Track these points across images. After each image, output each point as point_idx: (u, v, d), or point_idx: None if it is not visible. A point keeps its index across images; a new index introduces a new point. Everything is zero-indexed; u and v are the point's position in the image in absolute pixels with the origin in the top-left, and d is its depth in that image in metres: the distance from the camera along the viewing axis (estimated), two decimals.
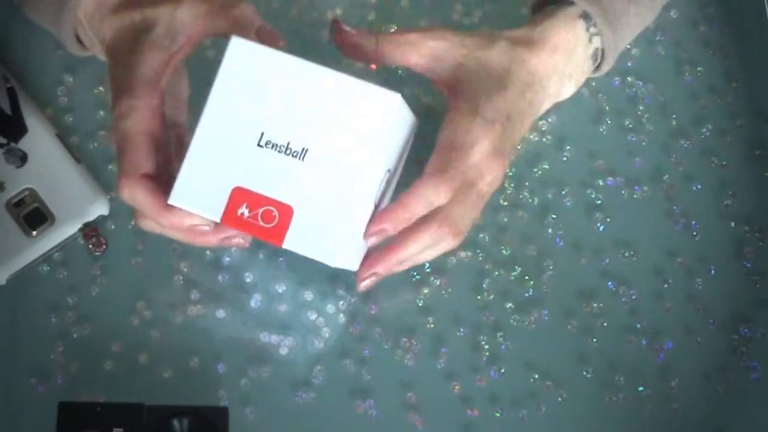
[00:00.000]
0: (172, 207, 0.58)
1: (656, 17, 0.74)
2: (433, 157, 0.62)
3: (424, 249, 0.63)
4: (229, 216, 0.57)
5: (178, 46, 0.62)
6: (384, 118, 0.57)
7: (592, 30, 0.67)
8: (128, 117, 0.59)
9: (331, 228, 0.57)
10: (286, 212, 0.57)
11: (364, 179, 0.58)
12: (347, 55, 0.66)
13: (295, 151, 0.57)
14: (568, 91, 0.69)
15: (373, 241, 0.61)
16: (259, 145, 0.57)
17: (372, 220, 0.61)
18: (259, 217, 0.57)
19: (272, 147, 0.57)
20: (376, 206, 0.62)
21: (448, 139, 0.62)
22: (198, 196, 0.58)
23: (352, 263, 0.62)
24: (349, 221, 0.58)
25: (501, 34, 0.66)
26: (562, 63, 0.67)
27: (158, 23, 0.61)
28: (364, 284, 0.64)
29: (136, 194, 0.59)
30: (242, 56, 0.57)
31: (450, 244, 0.63)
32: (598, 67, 0.70)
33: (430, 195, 0.61)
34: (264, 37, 0.63)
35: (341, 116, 0.57)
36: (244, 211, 0.57)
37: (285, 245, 0.57)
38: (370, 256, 0.64)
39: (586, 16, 0.67)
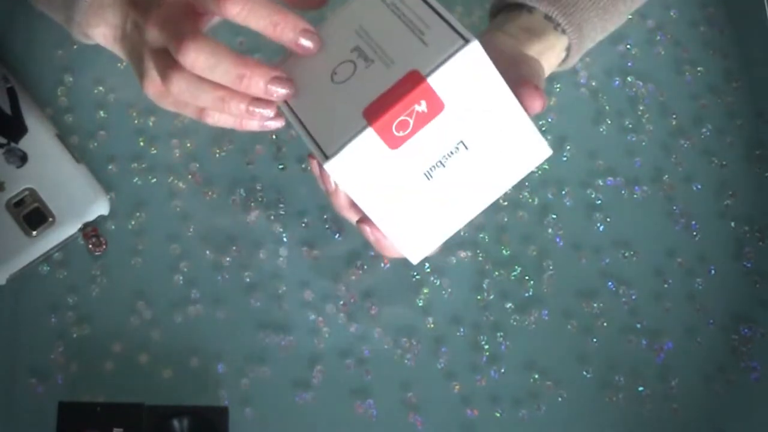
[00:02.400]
0: None
1: (658, 19, 0.74)
2: None
3: None
4: (423, 93, 0.53)
5: None
6: (528, 163, 0.58)
7: (565, 57, 0.68)
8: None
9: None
10: (395, 142, 0.54)
11: (473, 198, 0.57)
12: None
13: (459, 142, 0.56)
14: None
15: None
16: None
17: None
18: (404, 117, 0.53)
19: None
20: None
21: None
22: (450, 76, 0.53)
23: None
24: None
25: (513, 57, 0.65)
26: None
27: None
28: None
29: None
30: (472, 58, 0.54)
31: None
32: None
33: None
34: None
35: (500, 140, 0.57)
36: (422, 105, 0.53)
37: (368, 131, 0.53)
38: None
39: (568, 48, 0.67)
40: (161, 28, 0.58)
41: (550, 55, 0.66)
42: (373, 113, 0.53)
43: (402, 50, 0.54)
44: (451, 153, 0.56)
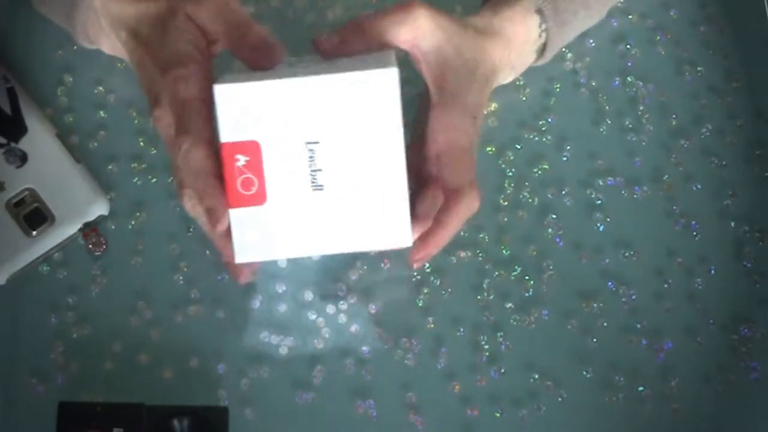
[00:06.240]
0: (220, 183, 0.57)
1: (658, 19, 0.74)
2: (448, 166, 0.62)
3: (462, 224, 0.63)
4: (231, 152, 0.56)
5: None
6: (388, 99, 0.56)
7: (543, 26, 0.68)
8: (185, 83, 0.58)
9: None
10: (258, 198, 0.56)
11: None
12: (337, 55, 0.64)
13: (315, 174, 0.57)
14: (508, 79, 0.70)
15: (417, 266, 0.65)
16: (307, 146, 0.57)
17: (417, 247, 0.61)
18: (240, 178, 0.56)
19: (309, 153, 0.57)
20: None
21: (457, 144, 0.62)
22: (233, 121, 0.56)
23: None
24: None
25: (467, 21, 0.65)
26: (514, 55, 0.67)
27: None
28: (418, 264, 0.64)
29: (198, 153, 0.57)
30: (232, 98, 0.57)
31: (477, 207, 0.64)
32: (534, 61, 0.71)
33: (467, 211, 0.62)
34: (261, 51, 0.61)
35: (334, 108, 0.56)
36: (241, 159, 0.56)
37: (232, 213, 0.56)
38: (423, 240, 0.62)
39: (540, 12, 0.67)
40: (175, 108, 0.59)
41: (517, 21, 0.66)
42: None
43: None
44: (311, 156, 0.56)
